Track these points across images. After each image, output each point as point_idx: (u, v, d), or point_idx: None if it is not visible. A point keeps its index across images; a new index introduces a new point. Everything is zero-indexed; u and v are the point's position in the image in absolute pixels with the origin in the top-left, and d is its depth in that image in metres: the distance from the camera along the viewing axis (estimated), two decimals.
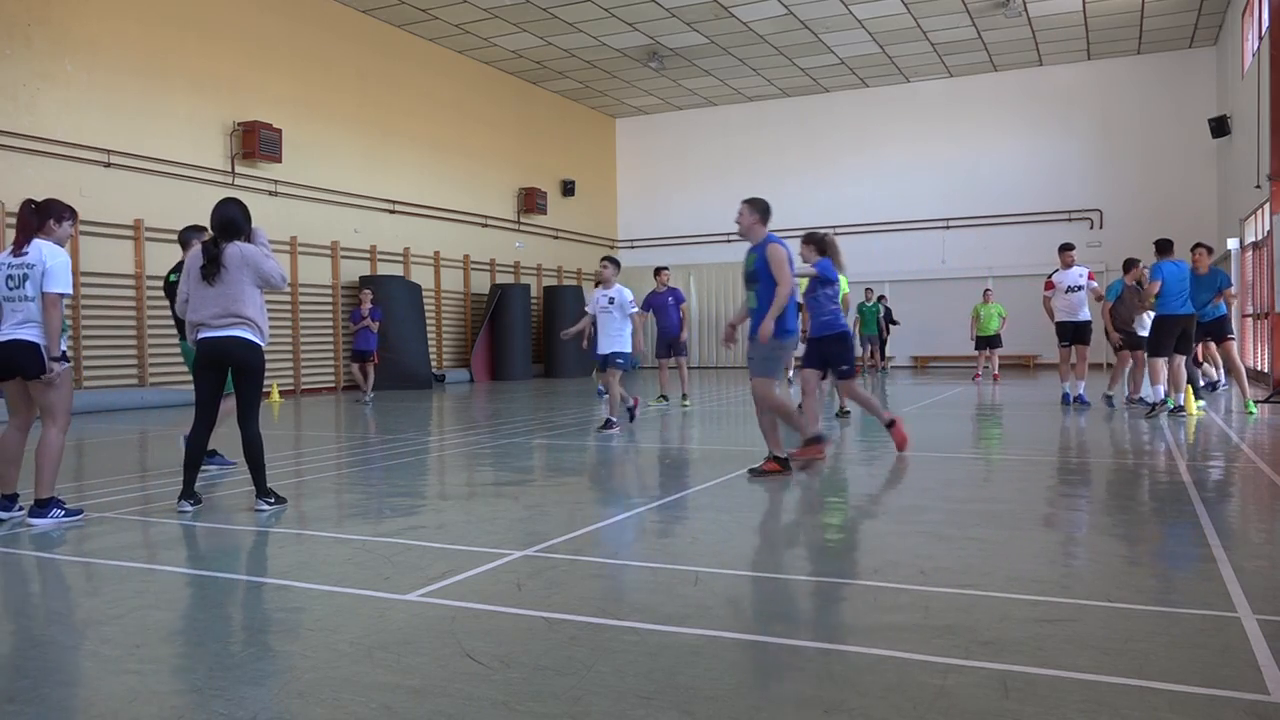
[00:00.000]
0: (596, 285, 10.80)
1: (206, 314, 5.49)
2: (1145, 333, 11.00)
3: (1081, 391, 11.86)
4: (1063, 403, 11.91)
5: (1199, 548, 4.30)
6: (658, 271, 13.59)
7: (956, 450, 8.26)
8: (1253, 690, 2.60)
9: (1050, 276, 12.14)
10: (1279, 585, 3.73)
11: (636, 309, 10.17)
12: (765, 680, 2.75)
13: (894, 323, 22.48)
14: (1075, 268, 11.98)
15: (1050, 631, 3.13)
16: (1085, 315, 11.84)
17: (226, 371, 5.66)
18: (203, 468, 7.22)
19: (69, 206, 5.50)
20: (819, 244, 7.79)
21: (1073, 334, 11.81)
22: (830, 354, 7.67)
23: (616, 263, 10.34)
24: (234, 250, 5.54)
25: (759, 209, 6.75)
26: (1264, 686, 2.62)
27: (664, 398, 13.21)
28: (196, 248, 5.70)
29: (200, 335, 5.54)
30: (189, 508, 5.51)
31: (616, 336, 9.97)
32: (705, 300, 26.84)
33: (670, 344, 13.08)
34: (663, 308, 13.14)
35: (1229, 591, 3.55)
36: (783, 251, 6.54)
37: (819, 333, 7.65)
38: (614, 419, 9.71)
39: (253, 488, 5.65)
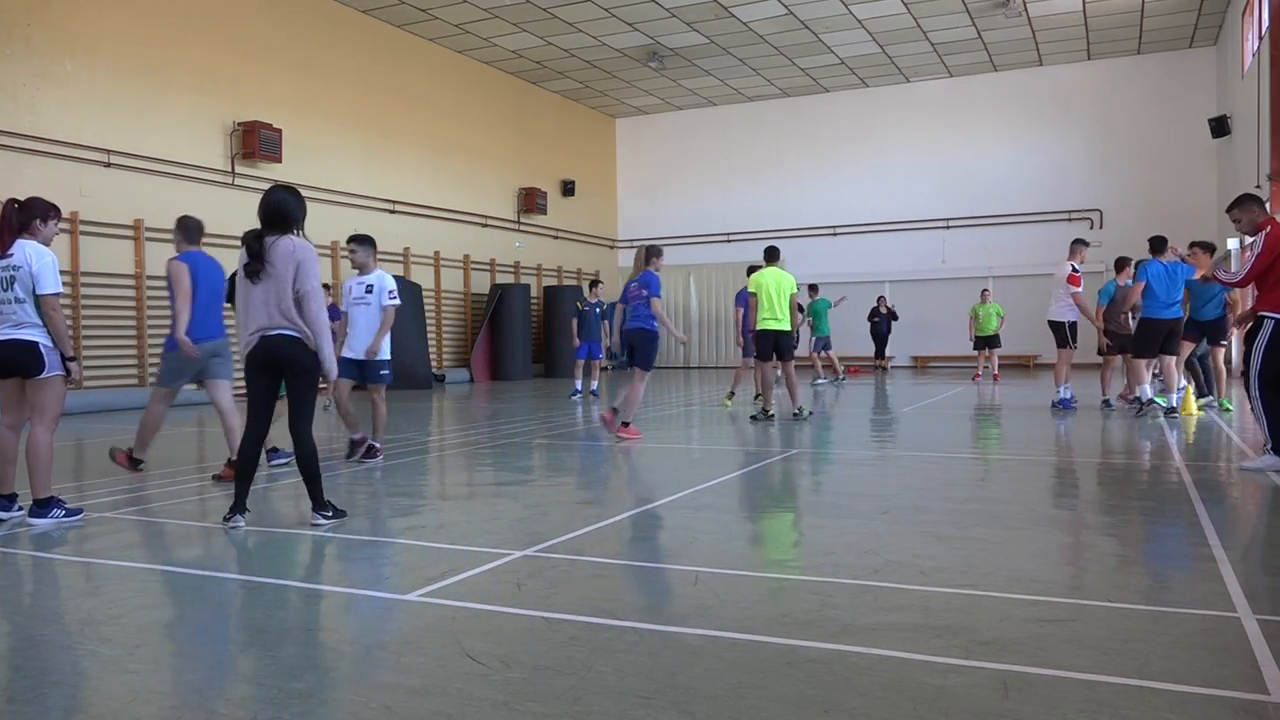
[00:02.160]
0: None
1: (257, 318, 5.00)
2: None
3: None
4: (1064, 407, 11.54)
5: (1199, 548, 4.30)
6: (751, 271, 13.46)
7: (956, 450, 8.25)
8: (1253, 690, 2.60)
9: (1077, 271, 11.46)
10: (1279, 585, 3.73)
11: (398, 301, 7.81)
12: (765, 680, 2.75)
13: (888, 317, 21.45)
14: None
15: (1050, 631, 3.13)
16: None
17: (278, 374, 5.14)
18: (271, 465, 7.24)
19: (54, 205, 5.45)
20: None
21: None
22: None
23: (369, 241, 7.84)
24: (285, 244, 5.00)
25: (182, 229, 6.87)
26: (1264, 686, 2.62)
27: (759, 397, 13.05)
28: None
29: (253, 338, 5.04)
30: (240, 523, 5.04)
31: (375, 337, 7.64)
32: (705, 300, 26.84)
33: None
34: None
35: (1229, 591, 3.55)
36: (177, 267, 6.67)
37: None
38: (376, 443, 7.66)
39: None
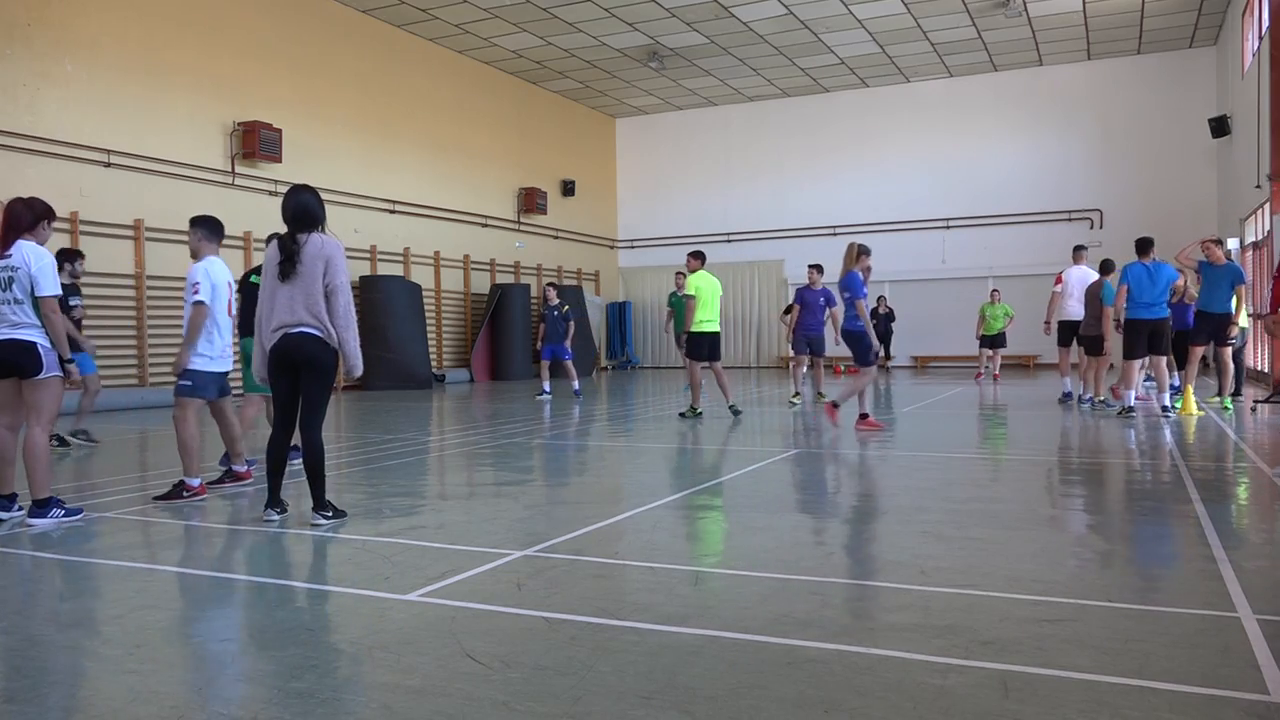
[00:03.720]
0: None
1: (281, 315, 5.06)
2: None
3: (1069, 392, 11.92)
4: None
5: (1199, 548, 4.30)
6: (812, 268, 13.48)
7: (956, 450, 8.25)
8: (1253, 690, 2.60)
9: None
10: (1279, 585, 3.73)
11: (199, 298, 5.97)
12: (765, 680, 2.75)
13: (886, 317, 22.14)
14: None
15: (1050, 631, 3.13)
16: None
17: (298, 372, 5.13)
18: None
19: (51, 207, 5.52)
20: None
21: None
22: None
23: (205, 223, 6.17)
24: (314, 241, 5.11)
25: None
26: (1264, 686, 2.62)
27: (798, 394, 13.18)
28: (272, 245, 5.24)
29: (274, 335, 5.10)
30: (275, 516, 5.21)
31: (205, 341, 6.06)
32: None
33: (810, 341, 13.11)
34: (812, 305, 13.06)
35: (1229, 591, 3.55)
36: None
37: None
38: (194, 481, 6.04)
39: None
